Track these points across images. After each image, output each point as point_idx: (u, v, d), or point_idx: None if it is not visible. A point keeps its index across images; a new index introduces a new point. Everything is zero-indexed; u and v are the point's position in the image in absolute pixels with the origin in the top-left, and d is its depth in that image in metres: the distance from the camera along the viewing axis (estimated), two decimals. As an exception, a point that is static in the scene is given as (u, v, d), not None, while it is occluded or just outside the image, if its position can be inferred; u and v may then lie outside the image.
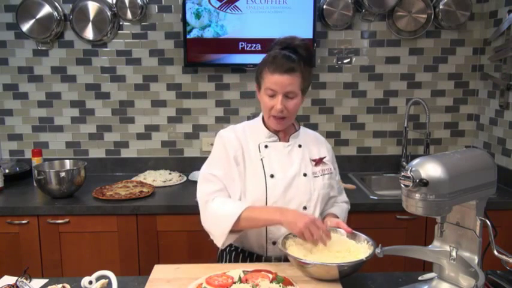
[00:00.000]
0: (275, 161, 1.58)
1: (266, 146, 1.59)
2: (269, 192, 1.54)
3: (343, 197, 1.77)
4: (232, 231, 1.47)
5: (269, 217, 1.46)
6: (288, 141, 1.62)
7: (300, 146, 1.63)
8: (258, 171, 1.56)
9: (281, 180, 1.55)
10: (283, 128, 1.60)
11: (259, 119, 1.65)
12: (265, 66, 1.52)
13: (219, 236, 1.49)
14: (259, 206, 1.52)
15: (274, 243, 1.56)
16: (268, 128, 1.61)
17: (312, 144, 1.67)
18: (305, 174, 1.58)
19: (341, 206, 1.73)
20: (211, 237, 1.54)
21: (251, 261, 1.59)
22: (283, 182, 1.55)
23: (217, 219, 1.50)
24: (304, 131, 1.69)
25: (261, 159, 1.57)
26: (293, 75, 1.49)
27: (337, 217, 1.63)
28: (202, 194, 1.55)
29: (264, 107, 1.56)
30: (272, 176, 1.55)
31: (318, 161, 1.63)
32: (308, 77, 1.56)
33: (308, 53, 1.56)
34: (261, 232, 1.56)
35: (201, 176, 1.59)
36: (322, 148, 1.68)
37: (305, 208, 1.56)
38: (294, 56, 1.51)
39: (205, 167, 1.60)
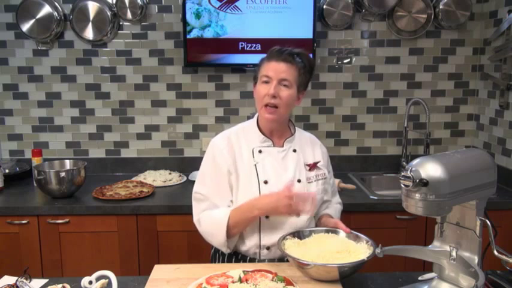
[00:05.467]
0: (269, 167, 1.55)
1: (260, 151, 1.56)
2: None
3: (337, 198, 1.77)
4: (230, 236, 1.51)
5: (250, 215, 1.48)
6: (283, 146, 1.59)
7: (294, 150, 1.60)
8: (252, 177, 1.54)
9: (275, 187, 1.51)
10: (275, 120, 1.54)
11: (253, 122, 1.62)
12: (262, 61, 1.56)
13: (220, 246, 1.54)
14: (236, 208, 1.52)
15: (268, 248, 1.54)
16: (262, 132, 1.58)
17: (307, 148, 1.64)
18: (299, 181, 1.56)
19: (335, 207, 1.73)
20: None
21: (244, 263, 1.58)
22: (277, 189, 1.51)
23: (210, 234, 1.55)
24: (299, 134, 1.66)
25: (255, 164, 1.55)
26: (289, 64, 1.50)
27: (332, 217, 1.64)
28: (194, 214, 1.60)
29: (257, 98, 1.54)
30: (266, 182, 1.53)
31: (312, 166, 1.61)
32: (305, 76, 1.55)
33: (306, 59, 1.56)
34: (254, 238, 1.55)
35: (192, 196, 1.62)
36: (317, 152, 1.66)
37: (298, 215, 1.55)
38: (291, 52, 1.54)
39: (195, 184, 1.61)
